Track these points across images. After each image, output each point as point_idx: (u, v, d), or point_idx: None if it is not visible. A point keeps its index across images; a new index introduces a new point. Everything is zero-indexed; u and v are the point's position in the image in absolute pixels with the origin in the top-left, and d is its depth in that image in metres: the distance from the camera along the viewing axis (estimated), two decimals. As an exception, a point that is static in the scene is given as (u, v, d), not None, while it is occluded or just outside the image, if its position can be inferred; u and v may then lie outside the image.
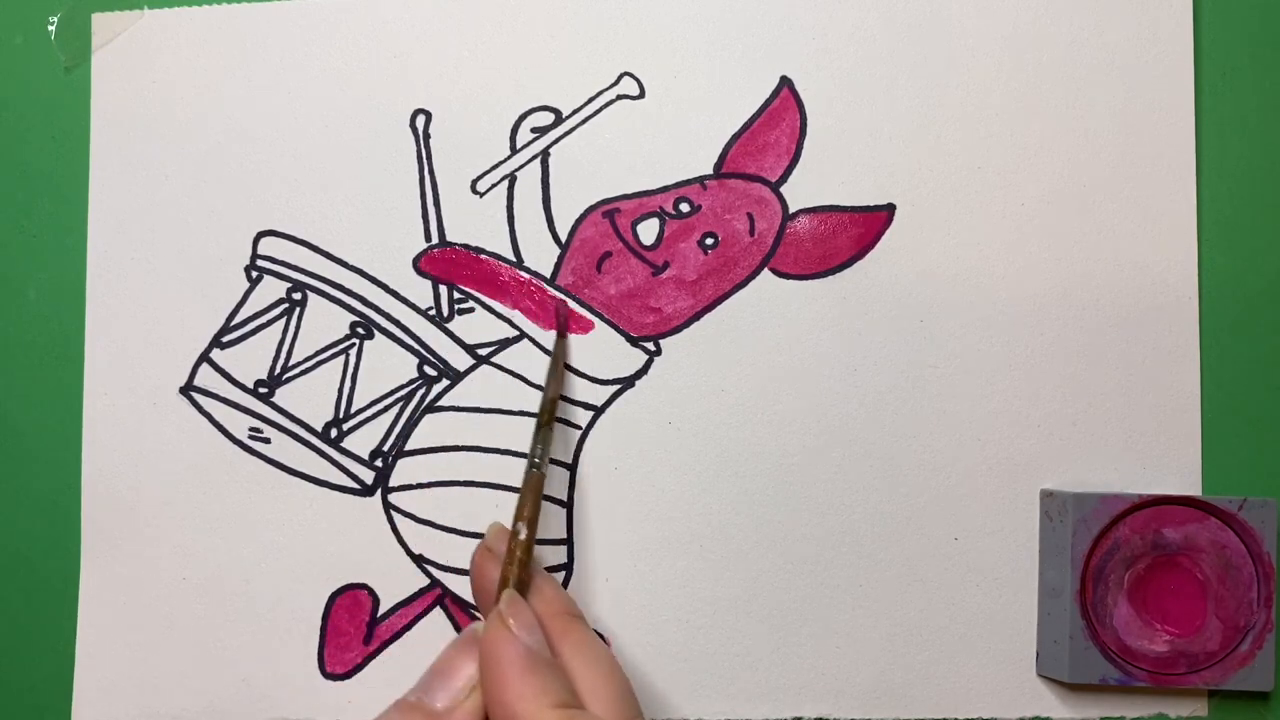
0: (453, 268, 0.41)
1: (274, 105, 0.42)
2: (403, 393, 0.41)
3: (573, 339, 0.40)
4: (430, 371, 0.41)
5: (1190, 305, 0.39)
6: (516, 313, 0.40)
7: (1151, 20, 0.39)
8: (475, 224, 0.41)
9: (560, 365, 0.39)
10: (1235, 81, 0.39)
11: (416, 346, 0.41)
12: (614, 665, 0.32)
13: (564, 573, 0.40)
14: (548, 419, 0.36)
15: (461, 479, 0.40)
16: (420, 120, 0.41)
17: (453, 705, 0.30)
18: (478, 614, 0.40)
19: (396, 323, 0.41)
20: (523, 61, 0.41)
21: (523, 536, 0.33)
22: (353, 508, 0.41)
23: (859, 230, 0.40)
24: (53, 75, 0.43)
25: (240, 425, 0.41)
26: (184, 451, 0.41)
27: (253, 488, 0.41)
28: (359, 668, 0.40)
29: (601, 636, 0.39)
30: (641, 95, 0.40)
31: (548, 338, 0.40)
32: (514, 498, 0.40)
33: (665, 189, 0.40)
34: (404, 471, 0.40)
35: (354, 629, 0.40)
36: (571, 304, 0.40)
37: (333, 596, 0.40)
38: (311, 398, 0.41)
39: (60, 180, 0.42)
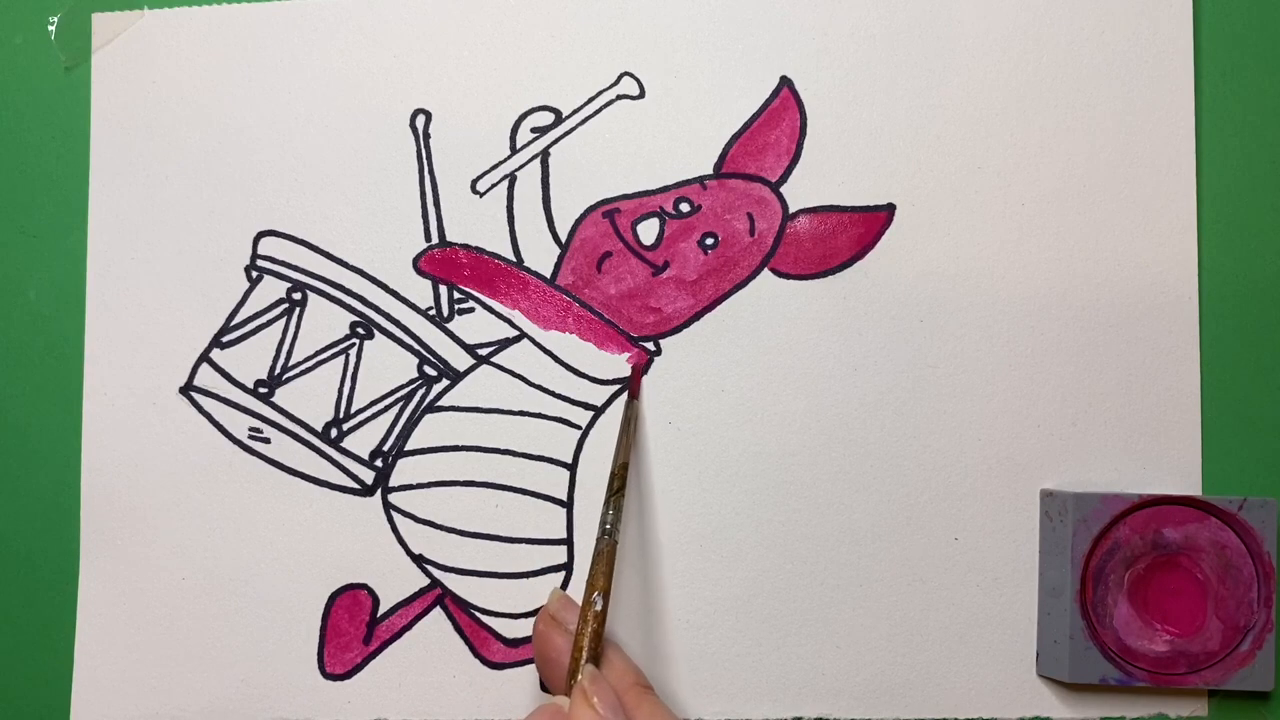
0: (453, 268, 0.41)
1: (274, 105, 0.42)
2: (403, 393, 0.41)
3: (573, 340, 0.40)
4: (430, 371, 0.41)
5: (1190, 305, 0.39)
6: (516, 313, 0.40)
7: (1151, 20, 0.39)
8: (475, 224, 0.41)
9: (631, 429, 0.38)
10: (1235, 81, 0.39)
11: (416, 346, 0.41)
12: None
13: (564, 573, 0.40)
14: (619, 485, 0.36)
15: (461, 479, 0.40)
16: (420, 120, 0.41)
17: None
18: (478, 613, 0.40)
19: (396, 323, 0.41)
20: (523, 61, 0.41)
21: (599, 608, 0.33)
22: (353, 508, 0.41)
23: (859, 230, 0.40)
24: (53, 75, 0.43)
25: (240, 425, 0.41)
26: (184, 451, 0.41)
27: (253, 488, 0.41)
28: (359, 668, 0.40)
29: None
30: (641, 95, 0.40)
31: (548, 338, 0.40)
32: (514, 498, 0.40)
33: (665, 189, 0.40)
34: (404, 471, 0.40)
35: (354, 629, 0.40)
36: (572, 304, 0.40)
37: (333, 596, 0.40)
38: (311, 398, 0.41)
39: (60, 180, 0.42)
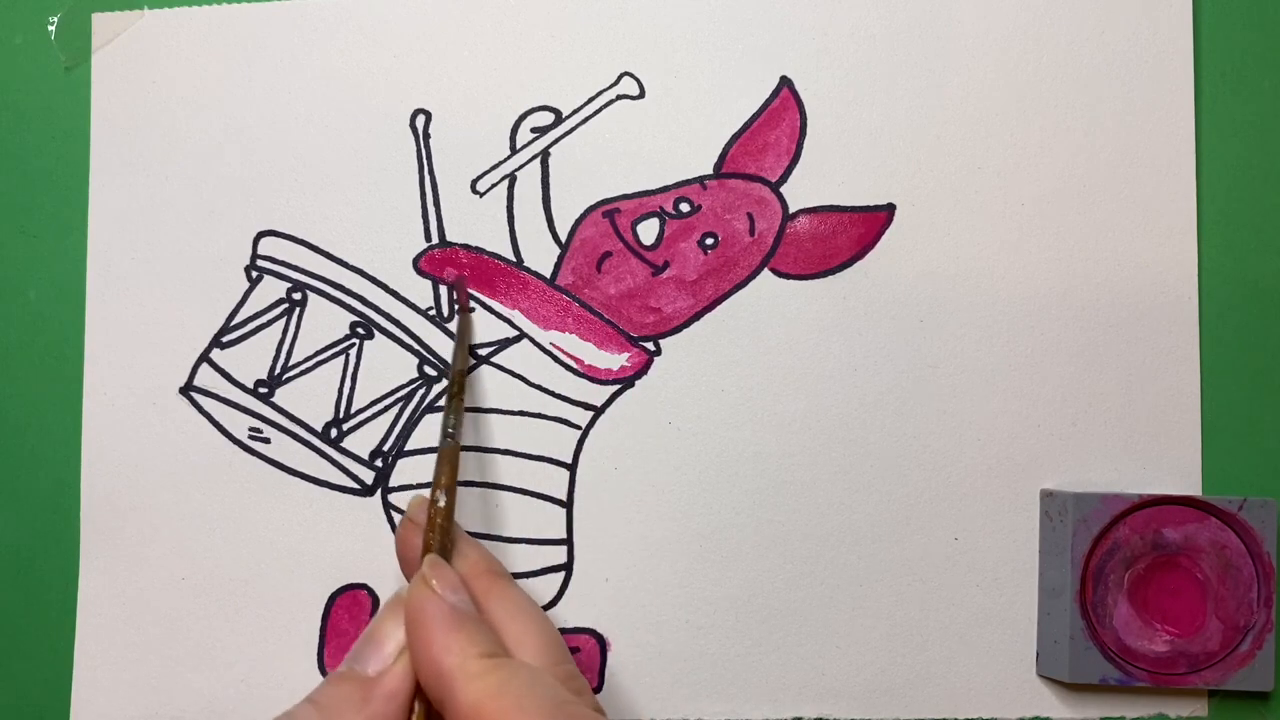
0: (453, 268, 0.41)
1: (274, 105, 0.42)
2: (403, 393, 0.41)
3: (574, 339, 0.40)
4: (430, 371, 0.41)
5: (1190, 305, 0.39)
6: (516, 313, 0.40)
7: (1151, 20, 0.39)
8: (475, 224, 0.41)
9: (465, 339, 0.39)
10: (1235, 81, 0.39)
11: (416, 346, 0.41)
12: (540, 616, 0.32)
13: (564, 573, 0.40)
14: (458, 390, 0.37)
15: (461, 479, 0.40)
16: (420, 120, 0.41)
17: (383, 669, 0.30)
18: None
19: (396, 323, 0.41)
20: (523, 61, 0.41)
21: (442, 504, 0.33)
22: (353, 508, 0.41)
23: (859, 230, 0.40)
24: (53, 75, 0.43)
25: (240, 425, 0.41)
26: (184, 451, 0.41)
27: (253, 488, 0.41)
28: (359, 668, 0.40)
29: (599, 635, 0.39)
30: (641, 95, 0.40)
31: (547, 338, 0.40)
32: (514, 498, 0.40)
33: (665, 189, 0.40)
34: (404, 471, 0.40)
35: (354, 629, 0.40)
36: (572, 304, 0.40)
37: (333, 596, 0.40)
38: (311, 398, 0.41)
39: (60, 180, 0.42)
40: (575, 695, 0.29)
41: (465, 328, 0.40)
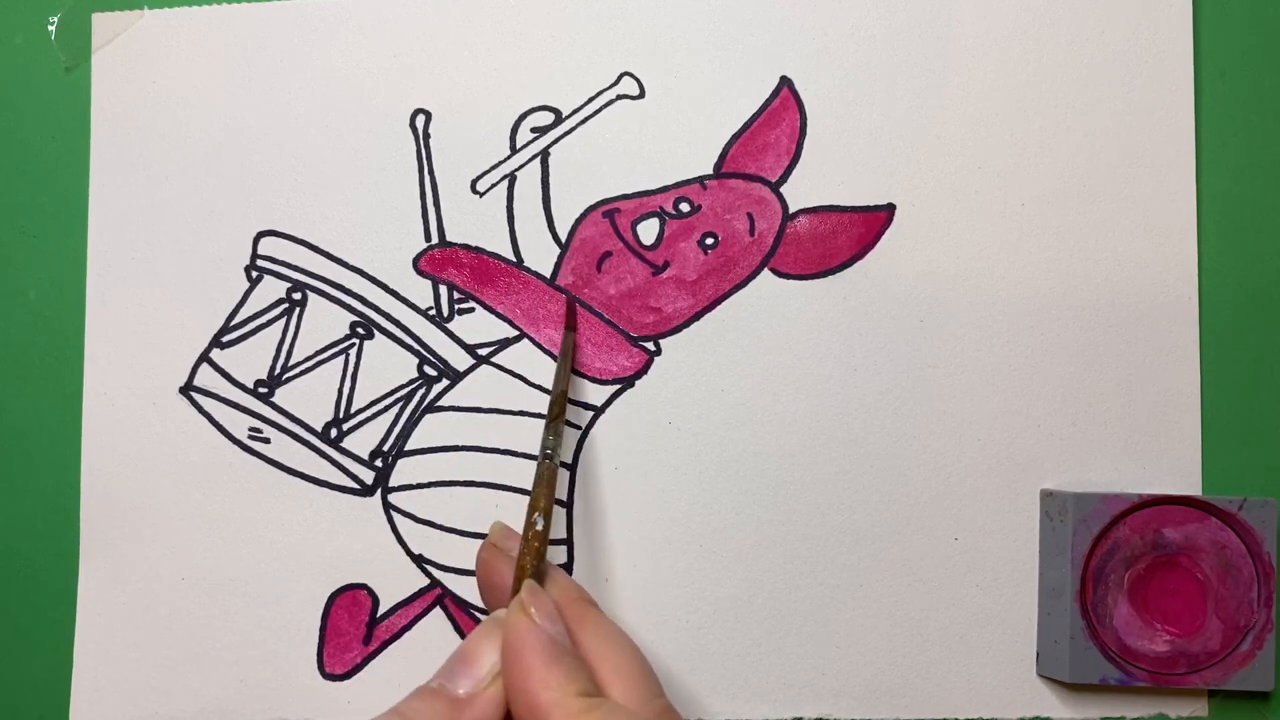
0: (453, 268, 0.41)
1: (274, 105, 0.42)
2: (403, 393, 0.41)
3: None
4: (430, 371, 0.41)
5: (1190, 305, 0.39)
6: (516, 312, 0.40)
7: (1151, 20, 0.39)
8: (475, 224, 0.41)
9: (569, 359, 0.39)
10: (1235, 81, 0.39)
11: (416, 346, 0.41)
12: (632, 648, 0.32)
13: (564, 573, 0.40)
14: (559, 411, 0.36)
15: (461, 479, 0.40)
16: (420, 120, 0.41)
17: (475, 692, 0.30)
18: (478, 614, 0.40)
19: (396, 323, 0.41)
20: (523, 61, 0.41)
21: (540, 527, 0.33)
22: (353, 508, 0.41)
23: (859, 230, 0.40)
24: (53, 75, 0.43)
25: (240, 425, 0.41)
26: (184, 451, 0.41)
27: (253, 488, 0.41)
28: (359, 668, 0.40)
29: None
30: (641, 95, 0.40)
31: (548, 338, 0.40)
32: (514, 498, 0.40)
33: (665, 189, 0.40)
34: (404, 471, 0.40)
35: (354, 629, 0.40)
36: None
37: (332, 596, 0.40)
38: (311, 398, 0.41)
39: (60, 180, 0.42)
40: None
41: (570, 348, 0.39)
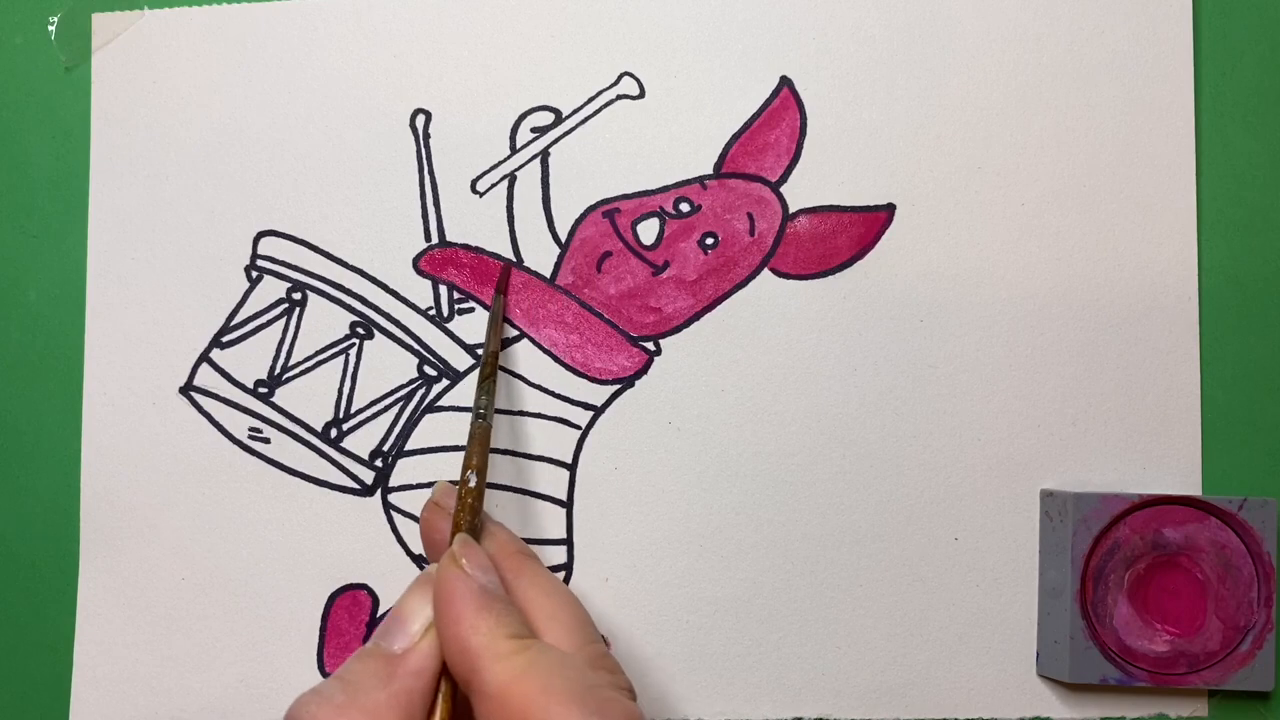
0: (453, 268, 0.41)
1: (274, 105, 0.42)
2: (403, 393, 0.41)
3: (574, 339, 0.40)
4: (430, 371, 0.41)
5: (1190, 305, 0.39)
6: (516, 312, 0.40)
7: (1151, 20, 0.39)
8: (475, 224, 0.41)
9: (499, 320, 0.39)
10: (1235, 81, 0.39)
11: (416, 346, 0.41)
12: (569, 596, 0.32)
13: (564, 573, 0.40)
14: (490, 372, 0.37)
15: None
16: (420, 120, 0.41)
17: (410, 647, 0.30)
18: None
19: (396, 323, 0.41)
20: (523, 61, 0.41)
21: (473, 484, 0.33)
22: (353, 508, 0.41)
23: (859, 230, 0.40)
24: (53, 75, 0.43)
25: (240, 425, 0.41)
26: (184, 451, 0.41)
27: (253, 488, 0.41)
28: (359, 668, 0.40)
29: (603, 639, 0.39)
30: (641, 95, 0.40)
31: (547, 337, 0.40)
32: (514, 498, 0.40)
33: (665, 189, 0.40)
34: (404, 471, 0.40)
35: (354, 629, 0.40)
36: (572, 304, 0.40)
37: (333, 596, 0.40)
38: (311, 398, 0.41)
39: (60, 180, 0.42)
40: (608, 673, 0.30)
41: (499, 310, 0.40)
